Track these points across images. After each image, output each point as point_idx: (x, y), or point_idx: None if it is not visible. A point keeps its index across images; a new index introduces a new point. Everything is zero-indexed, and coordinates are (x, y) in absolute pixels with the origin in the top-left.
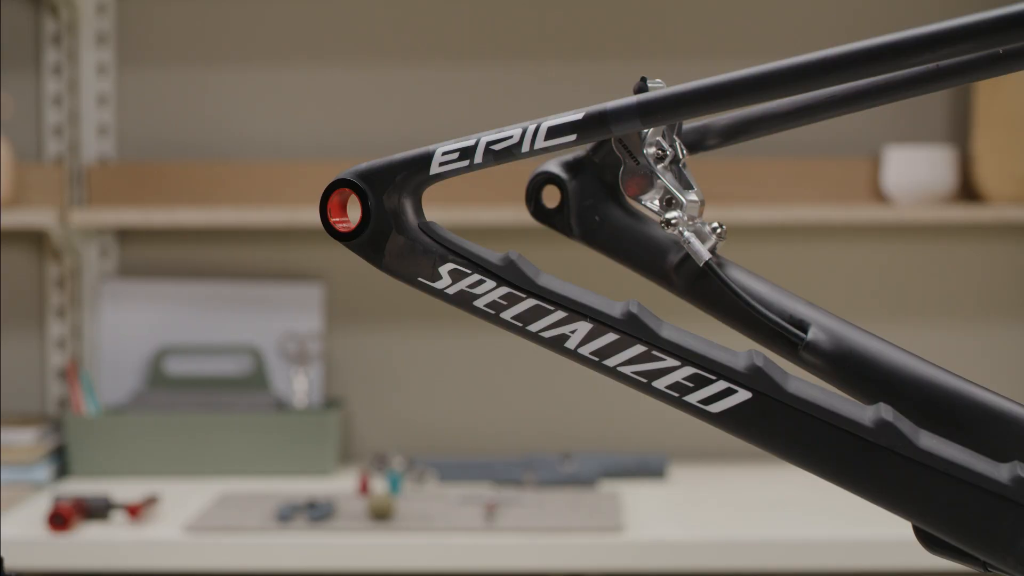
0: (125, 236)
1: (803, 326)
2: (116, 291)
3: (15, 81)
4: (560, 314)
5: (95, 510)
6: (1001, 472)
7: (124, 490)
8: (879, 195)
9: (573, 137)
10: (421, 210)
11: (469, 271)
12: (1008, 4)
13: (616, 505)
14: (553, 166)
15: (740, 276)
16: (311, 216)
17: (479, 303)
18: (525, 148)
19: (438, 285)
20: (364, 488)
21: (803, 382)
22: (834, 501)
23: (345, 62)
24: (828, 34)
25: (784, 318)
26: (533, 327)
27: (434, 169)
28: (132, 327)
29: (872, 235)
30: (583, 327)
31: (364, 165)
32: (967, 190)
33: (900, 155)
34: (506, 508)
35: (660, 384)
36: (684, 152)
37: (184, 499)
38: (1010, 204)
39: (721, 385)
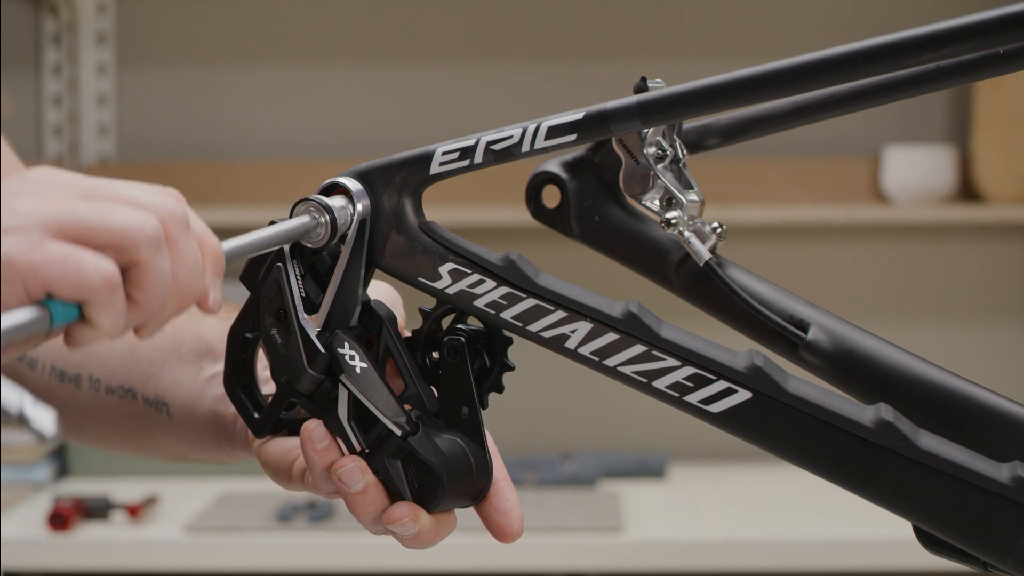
0: None
1: (803, 326)
2: None
3: (15, 81)
4: (560, 314)
5: (95, 510)
6: (1001, 472)
7: (124, 490)
8: (879, 195)
9: (573, 137)
10: (421, 210)
11: (469, 271)
12: (1008, 4)
13: (616, 505)
14: (553, 166)
15: (740, 276)
16: None
17: (479, 303)
18: (525, 148)
19: (438, 285)
20: None
21: (803, 382)
22: (834, 501)
23: (345, 62)
24: (828, 34)
25: (784, 318)
26: (533, 327)
27: (434, 169)
28: None
29: (872, 235)
30: (583, 327)
31: (364, 165)
32: (967, 190)
33: (900, 155)
34: None
35: (660, 384)
36: (684, 152)
37: (184, 499)
38: (1010, 204)
39: (721, 385)
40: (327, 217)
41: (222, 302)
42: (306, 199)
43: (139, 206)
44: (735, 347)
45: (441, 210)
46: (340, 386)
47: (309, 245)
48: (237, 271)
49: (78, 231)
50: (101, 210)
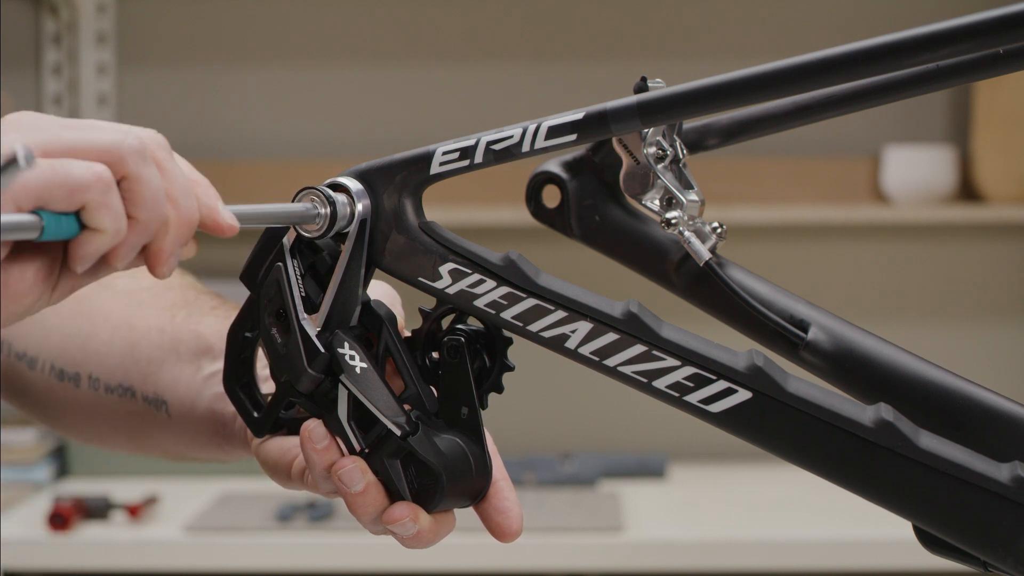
0: None
1: (803, 326)
2: None
3: (15, 81)
4: (560, 314)
5: (95, 510)
6: (1001, 472)
7: (124, 490)
8: (879, 195)
9: (573, 137)
10: (421, 210)
11: (469, 271)
12: (1008, 4)
13: (616, 505)
14: (553, 166)
15: (740, 276)
16: None
17: (479, 303)
18: (525, 148)
19: (438, 285)
20: None
21: (803, 382)
22: (834, 501)
23: (345, 62)
24: (828, 34)
25: (784, 318)
26: (533, 327)
27: (434, 169)
28: None
29: (872, 235)
30: (583, 327)
31: (364, 165)
32: (967, 190)
33: (900, 155)
34: None
35: (660, 384)
36: (684, 152)
37: (184, 499)
38: (1010, 204)
39: (721, 385)
40: (327, 209)
41: (237, 224)
42: (311, 188)
43: (118, 130)
44: (735, 347)
45: (441, 210)
46: (340, 386)
47: (306, 234)
48: (237, 270)
49: (61, 151)
50: (82, 132)
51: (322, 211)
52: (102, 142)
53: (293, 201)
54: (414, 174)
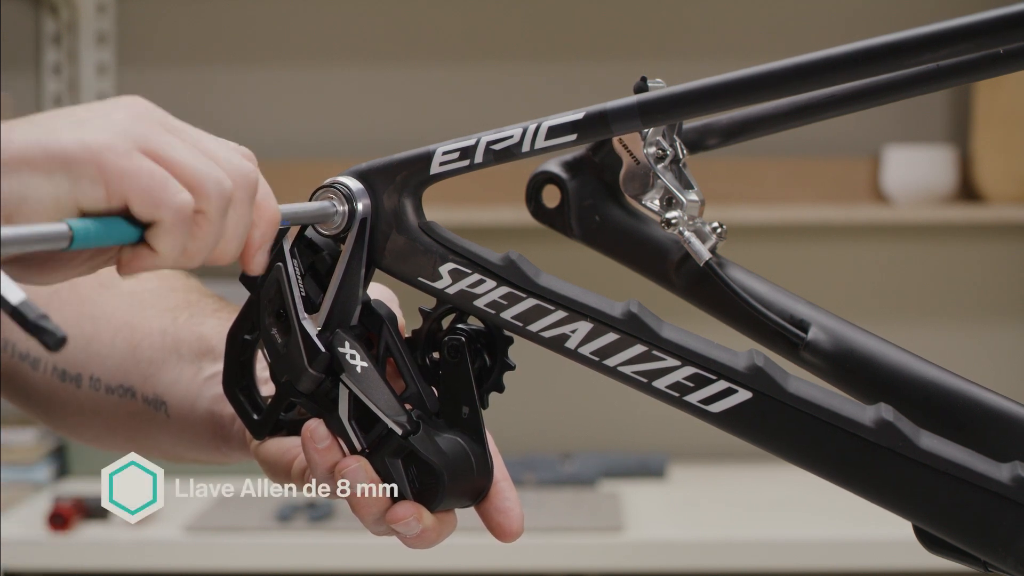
0: None
1: (803, 326)
2: None
3: (15, 81)
4: (560, 314)
5: (95, 510)
6: (1001, 472)
7: None
8: (879, 195)
9: (573, 137)
10: (421, 210)
11: (469, 271)
12: (1008, 4)
13: (616, 505)
14: (553, 166)
15: (740, 276)
16: None
17: (479, 303)
18: (525, 148)
19: (438, 285)
20: None
21: (803, 382)
22: (834, 501)
23: (345, 62)
24: (828, 34)
25: (784, 318)
26: (533, 327)
27: (434, 169)
28: None
29: (872, 235)
30: (583, 327)
31: (364, 165)
32: (967, 190)
33: (900, 155)
34: None
35: (660, 384)
36: (684, 152)
37: (184, 499)
38: (1010, 204)
39: (721, 385)
40: (345, 207)
41: (265, 263)
42: (327, 185)
43: (218, 163)
44: (735, 347)
45: (441, 210)
46: (341, 385)
47: (324, 232)
48: (237, 272)
49: (165, 160)
50: (189, 151)
51: (340, 208)
52: (199, 174)
53: (310, 200)
54: (414, 174)
